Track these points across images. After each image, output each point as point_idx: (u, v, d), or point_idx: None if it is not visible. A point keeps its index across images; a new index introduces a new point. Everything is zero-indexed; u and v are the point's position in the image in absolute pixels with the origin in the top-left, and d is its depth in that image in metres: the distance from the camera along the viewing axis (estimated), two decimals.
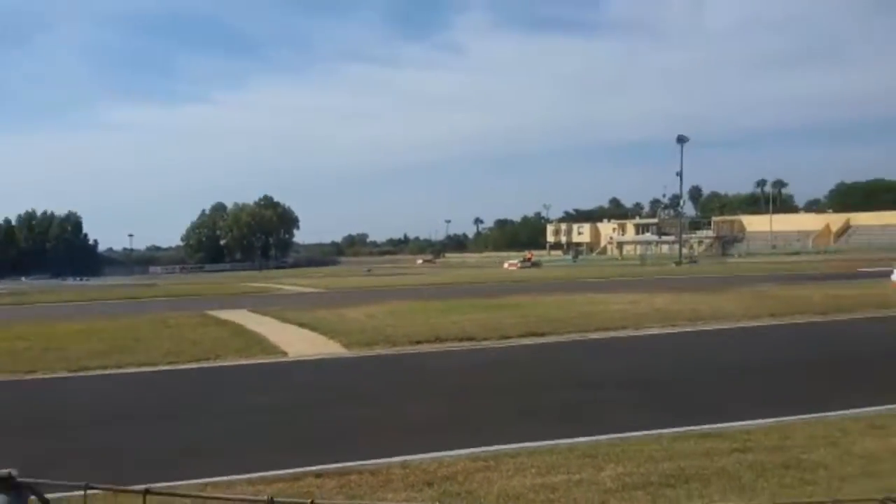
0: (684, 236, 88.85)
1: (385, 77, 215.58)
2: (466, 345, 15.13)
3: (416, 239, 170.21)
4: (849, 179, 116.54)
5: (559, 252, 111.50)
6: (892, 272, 27.70)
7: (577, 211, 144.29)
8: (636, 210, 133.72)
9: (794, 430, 7.53)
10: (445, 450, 7.09)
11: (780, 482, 5.88)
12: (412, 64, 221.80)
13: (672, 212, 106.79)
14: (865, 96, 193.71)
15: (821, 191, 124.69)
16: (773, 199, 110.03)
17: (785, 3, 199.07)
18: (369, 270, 75.01)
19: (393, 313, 21.17)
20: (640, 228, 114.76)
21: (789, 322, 17.82)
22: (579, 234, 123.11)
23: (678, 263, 67.79)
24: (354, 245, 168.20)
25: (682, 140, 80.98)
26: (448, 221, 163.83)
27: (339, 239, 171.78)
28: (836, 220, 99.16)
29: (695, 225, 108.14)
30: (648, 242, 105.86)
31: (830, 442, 7.01)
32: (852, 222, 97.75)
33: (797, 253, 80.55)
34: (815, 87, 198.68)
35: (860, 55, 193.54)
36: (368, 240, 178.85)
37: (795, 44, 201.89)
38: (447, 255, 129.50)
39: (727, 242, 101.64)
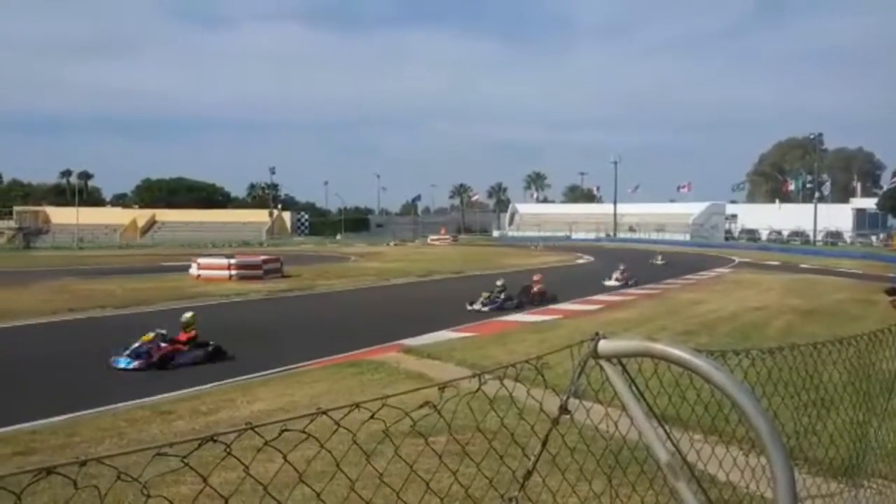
0: None
1: None
2: None
3: None
4: (154, 176, 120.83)
5: None
6: (190, 266, 29.94)
7: None
8: None
9: (82, 425, 7.51)
10: None
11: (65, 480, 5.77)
12: None
13: None
14: (170, 95, 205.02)
15: (128, 185, 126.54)
16: (80, 191, 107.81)
17: None
18: None
19: None
20: None
21: (86, 317, 17.78)
22: None
23: None
24: None
25: None
26: None
27: None
28: (142, 214, 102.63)
29: None
30: None
31: (118, 432, 7.21)
32: (158, 218, 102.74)
33: (107, 247, 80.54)
34: (120, 80, 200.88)
35: (161, 55, 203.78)
36: None
37: (99, 33, 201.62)
38: None
39: (31, 234, 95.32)
